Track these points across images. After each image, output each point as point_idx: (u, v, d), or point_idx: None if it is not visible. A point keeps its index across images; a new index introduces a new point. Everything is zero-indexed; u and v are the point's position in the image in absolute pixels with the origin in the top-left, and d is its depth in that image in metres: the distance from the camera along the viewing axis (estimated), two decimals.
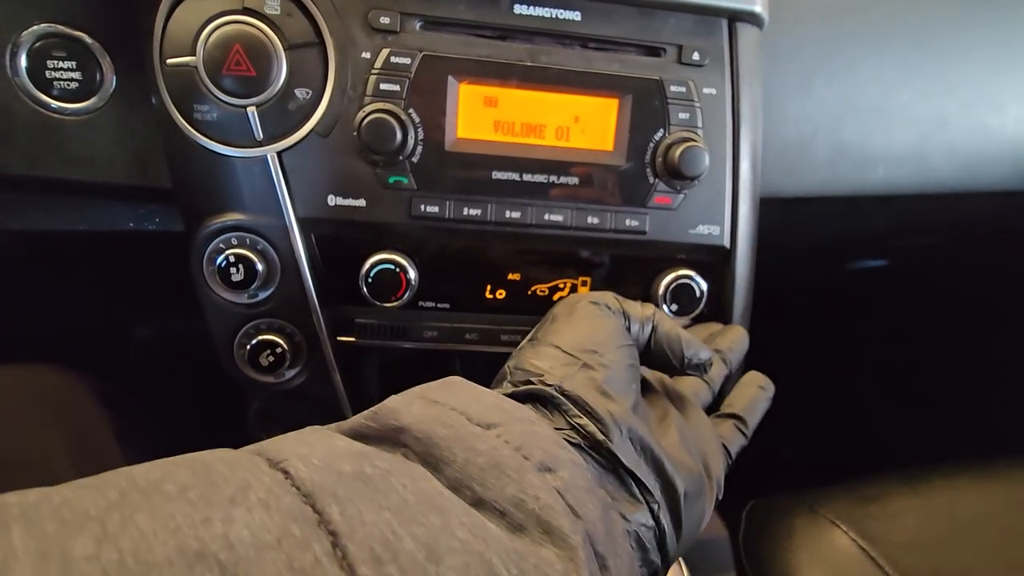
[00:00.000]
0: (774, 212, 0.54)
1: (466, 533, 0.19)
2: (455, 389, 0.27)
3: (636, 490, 0.27)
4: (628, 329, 0.36)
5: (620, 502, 0.27)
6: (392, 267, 0.48)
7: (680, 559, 0.42)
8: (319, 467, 0.19)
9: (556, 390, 0.29)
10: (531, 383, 0.30)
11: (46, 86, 0.45)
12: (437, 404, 0.25)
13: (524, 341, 0.36)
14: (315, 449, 0.21)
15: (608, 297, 0.37)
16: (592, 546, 0.22)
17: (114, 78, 0.46)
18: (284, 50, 0.42)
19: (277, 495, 0.18)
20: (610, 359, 0.32)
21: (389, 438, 0.24)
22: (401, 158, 0.45)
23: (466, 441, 0.23)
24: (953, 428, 0.98)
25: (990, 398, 0.93)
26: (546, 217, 0.48)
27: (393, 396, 0.26)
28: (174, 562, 0.15)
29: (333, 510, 0.18)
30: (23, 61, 0.44)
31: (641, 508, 0.27)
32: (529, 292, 0.52)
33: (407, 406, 0.25)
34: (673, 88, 0.47)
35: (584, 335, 0.33)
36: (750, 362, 0.57)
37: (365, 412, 0.25)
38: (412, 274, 0.48)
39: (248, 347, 0.48)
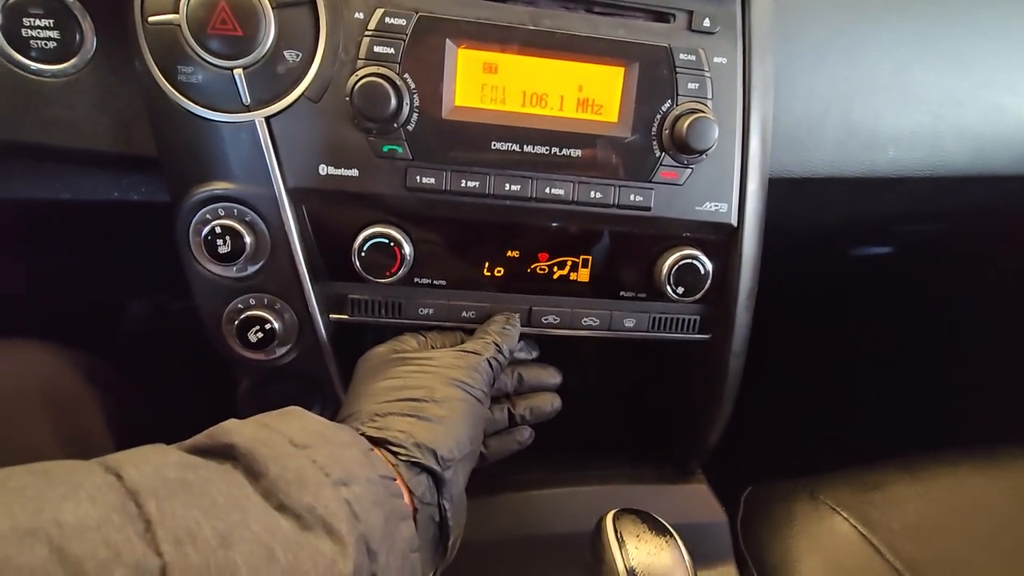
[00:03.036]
0: (779, 193, 0.52)
1: (260, 527, 0.25)
2: (289, 417, 0.34)
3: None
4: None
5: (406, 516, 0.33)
6: (386, 241, 0.46)
7: (680, 543, 0.41)
8: (148, 473, 0.25)
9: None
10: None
11: (22, 46, 0.42)
12: (267, 428, 0.31)
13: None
14: (150, 460, 0.26)
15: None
16: (366, 543, 0.27)
17: (95, 38, 0.43)
18: (272, 8, 0.40)
19: (104, 492, 0.23)
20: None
21: (221, 452, 0.29)
22: (396, 125, 0.43)
23: (280, 460, 0.28)
24: (954, 415, 0.97)
25: (992, 385, 0.92)
26: (547, 191, 0.46)
27: (232, 419, 0.31)
28: (7, 536, 0.20)
29: (151, 505, 0.23)
30: None
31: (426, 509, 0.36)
32: (528, 270, 0.50)
33: (241, 428, 0.30)
34: (682, 56, 0.45)
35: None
36: (752, 348, 0.55)
37: (206, 431, 0.30)
38: (407, 249, 0.46)
39: (236, 323, 0.47)
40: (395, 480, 0.33)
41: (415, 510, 0.34)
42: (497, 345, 0.46)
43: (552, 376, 0.54)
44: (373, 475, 0.31)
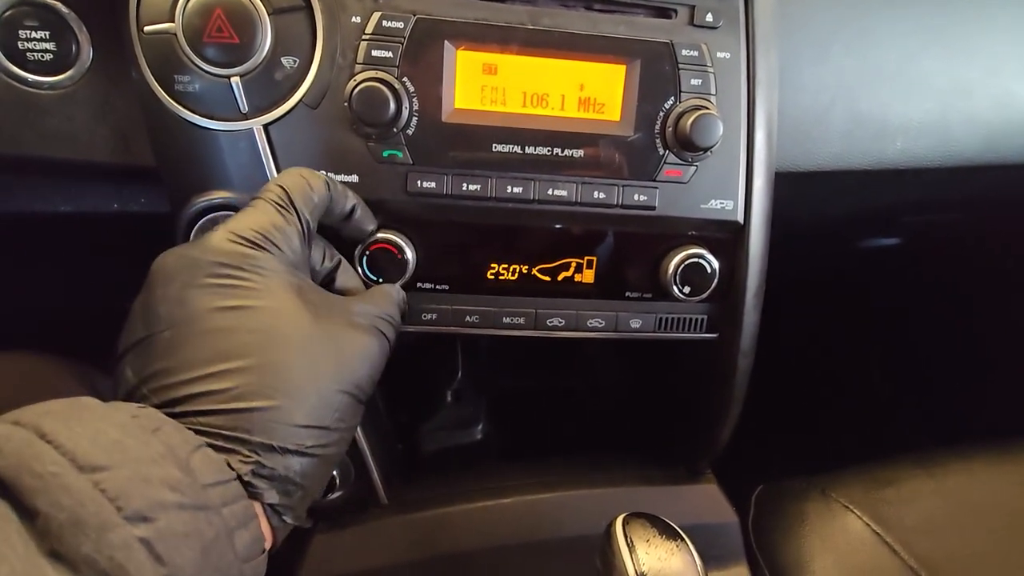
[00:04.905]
0: (786, 186, 0.51)
1: None
2: (81, 419, 0.25)
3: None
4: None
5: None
6: (388, 247, 0.45)
7: (691, 547, 0.40)
8: None
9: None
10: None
11: (19, 58, 0.42)
12: (44, 440, 0.24)
13: None
14: None
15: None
16: None
17: (91, 50, 0.43)
18: (268, 15, 0.40)
19: None
20: None
21: None
22: (395, 130, 0.43)
23: (52, 495, 0.22)
24: (968, 409, 0.96)
25: (1006, 378, 0.91)
26: (550, 192, 0.45)
27: (10, 418, 0.25)
28: None
29: None
30: None
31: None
32: (532, 272, 0.49)
33: (6, 439, 0.24)
34: (684, 52, 0.44)
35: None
36: (761, 345, 0.55)
37: None
38: (409, 254, 0.46)
39: None
40: (232, 480, 0.28)
41: (273, 530, 0.30)
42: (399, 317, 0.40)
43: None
44: (189, 496, 0.25)
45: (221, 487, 0.27)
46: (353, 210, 0.41)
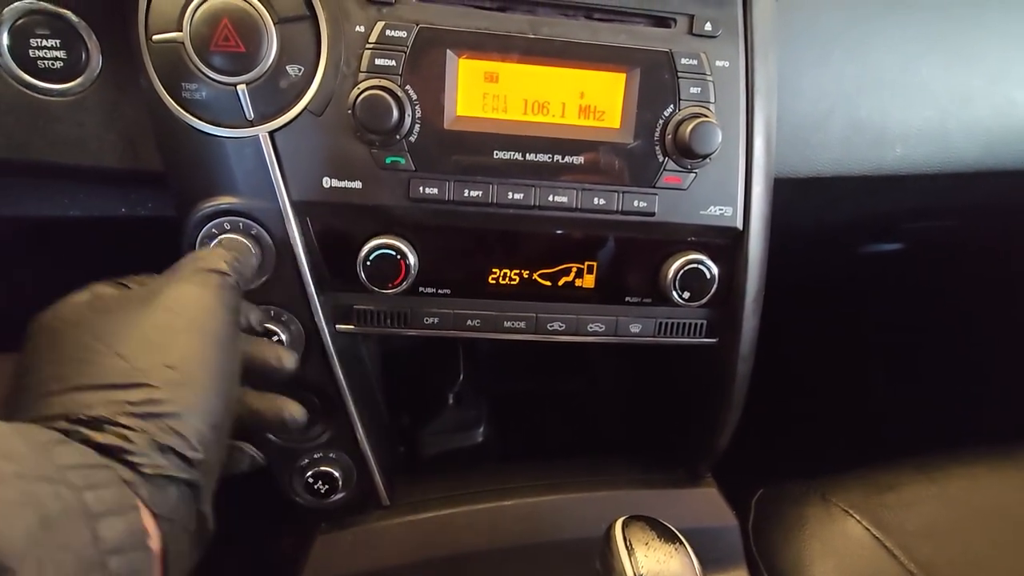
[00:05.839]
0: (786, 192, 0.52)
1: None
2: None
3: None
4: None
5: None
6: (391, 252, 0.46)
7: (689, 550, 0.40)
8: None
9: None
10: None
11: (30, 66, 0.43)
12: None
13: None
14: None
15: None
16: None
17: (100, 57, 0.44)
18: (274, 24, 0.40)
19: None
20: None
21: None
22: (398, 137, 0.43)
23: None
24: (968, 414, 0.96)
25: (1006, 383, 0.91)
26: (550, 198, 0.46)
27: None
28: None
29: None
30: (5, 39, 0.42)
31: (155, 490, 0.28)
32: (533, 277, 0.50)
33: None
34: (684, 61, 0.44)
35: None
36: (761, 350, 0.55)
37: None
38: (412, 259, 0.46)
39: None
40: (101, 467, 0.27)
41: (163, 532, 0.28)
42: (237, 259, 0.38)
43: (283, 360, 0.41)
44: (30, 468, 0.24)
45: (86, 470, 0.26)
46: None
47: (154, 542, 0.28)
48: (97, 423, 0.28)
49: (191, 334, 0.32)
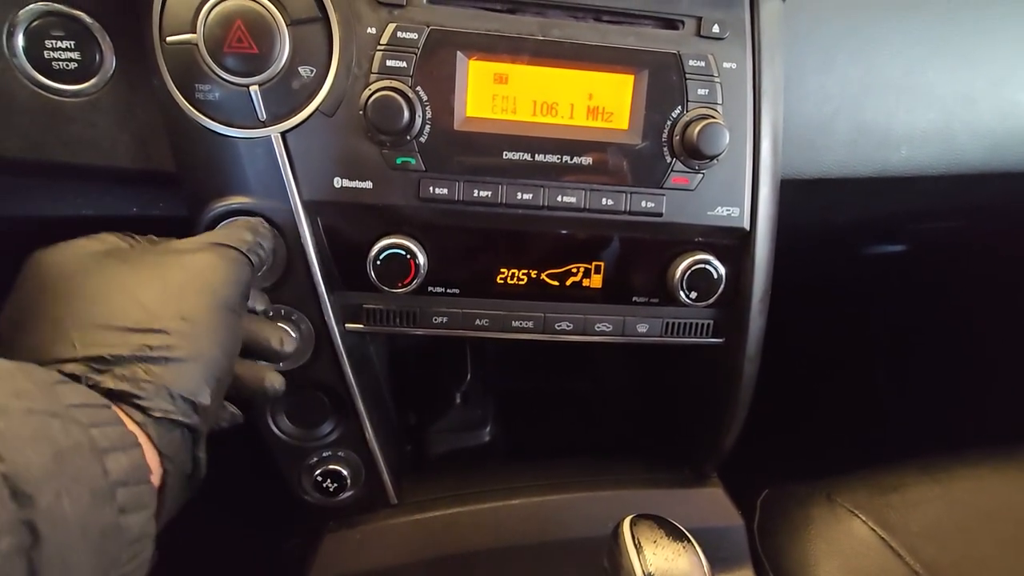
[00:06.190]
0: (792, 193, 0.52)
1: None
2: None
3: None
4: None
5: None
6: (401, 252, 0.46)
7: (697, 548, 0.41)
8: None
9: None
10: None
11: (45, 67, 0.43)
12: None
13: None
14: None
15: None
16: (13, 483, 0.22)
17: (114, 59, 0.44)
18: (287, 26, 0.41)
19: None
20: None
21: None
22: (409, 138, 0.44)
23: None
24: (974, 415, 0.96)
25: (1012, 385, 0.91)
26: (559, 199, 0.46)
27: None
28: None
29: None
30: (20, 41, 0.42)
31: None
32: (541, 277, 0.50)
33: None
34: (692, 62, 0.45)
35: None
36: (767, 350, 0.55)
37: None
38: (421, 259, 0.47)
39: None
40: (105, 407, 0.28)
41: (164, 471, 0.30)
42: (257, 241, 0.39)
43: (284, 342, 0.43)
44: (40, 404, 0.25)
45: (90, 409, 0.27)
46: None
47: (155, 478, 0.29)
48: (116, 362, 0.30)
49: (205, 295, 0.34)
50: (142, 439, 0.29)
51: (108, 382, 0.29)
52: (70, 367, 0.29)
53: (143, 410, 0.30)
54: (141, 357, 0.30)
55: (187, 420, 0.31)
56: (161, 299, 0.33)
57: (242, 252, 0.38)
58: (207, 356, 0.33)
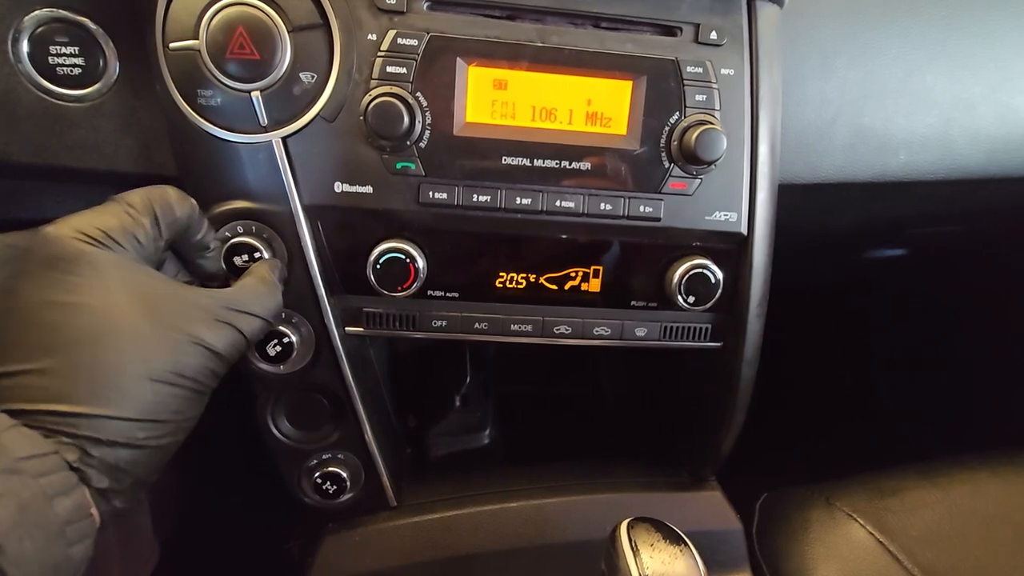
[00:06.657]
0: (790, 198, 0.53)
1: None
2: None
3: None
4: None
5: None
6: (400, 256, 0.47)
7: (694, 551, 0.41)
8: None
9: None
10: None
11: (49, 72, 0.44)
12: None
13: None
14: None
15: None
16: None
17: (117, 64, 0.45)
18: (288, 32, 0.41)
19: None
20: None
21: None
22: (408, 143, 0.44)
23: None
24: (972, 420, 0.96)
25: (1010, 389, 0.91)
26: (558, 204, 0.46)
27: None
28: None
29: None
30: (25, 47, 0.43)
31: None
32: (540, 281, 0.51)
33: None
34: (690, 69, 0.45)
35: None
36: (765, 354, 0.55)
37: None
38: (420, 263, 0.47)
39: None
40: (49, 454, 0.29)
41: (103, 498, 0.31)
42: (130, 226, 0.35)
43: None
44: (2, 463, 0.27)
45: (37, 460, 0.28)
46: (207, 247, 0.42)
47: (94, 510, 0.31)
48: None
49: (92, 328, 0.32)
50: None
51: (39, 416, 0.30)
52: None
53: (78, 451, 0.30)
54: (34, 381, 0.30)
55: (119, 460, 0.31)
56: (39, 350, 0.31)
57: (238, 329, 0.37)
58: (112, 399, 0.31)
